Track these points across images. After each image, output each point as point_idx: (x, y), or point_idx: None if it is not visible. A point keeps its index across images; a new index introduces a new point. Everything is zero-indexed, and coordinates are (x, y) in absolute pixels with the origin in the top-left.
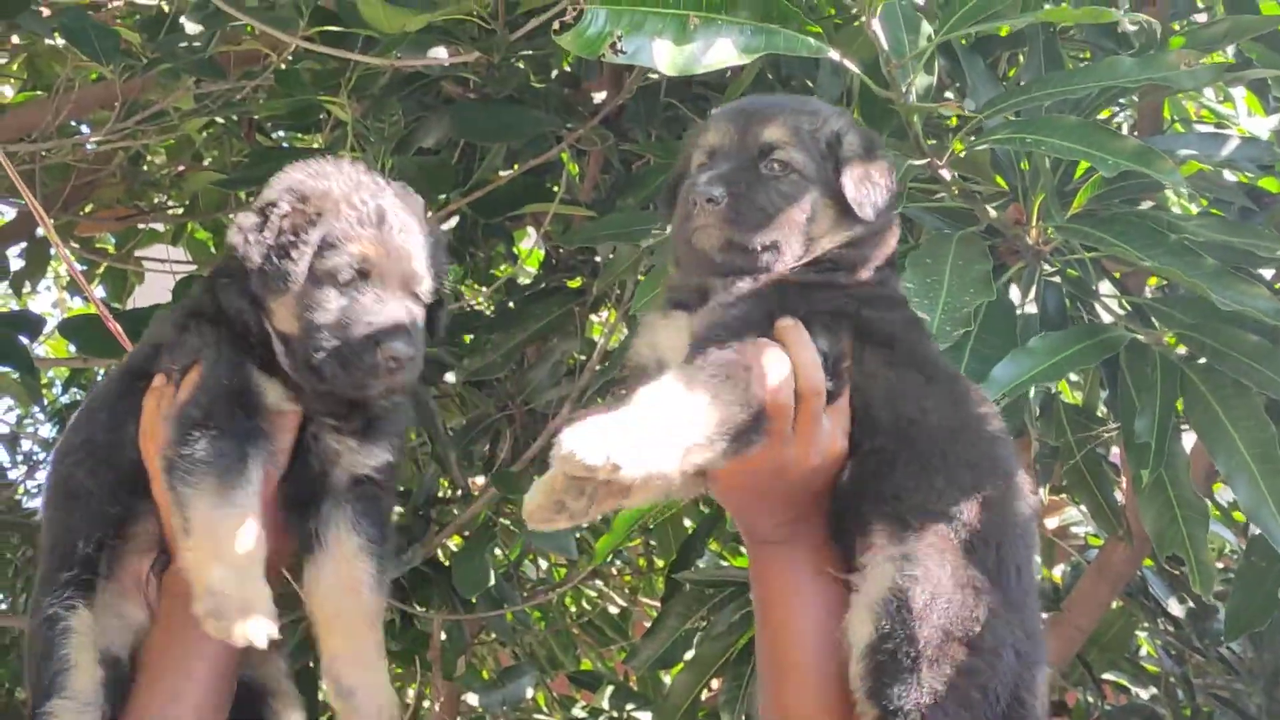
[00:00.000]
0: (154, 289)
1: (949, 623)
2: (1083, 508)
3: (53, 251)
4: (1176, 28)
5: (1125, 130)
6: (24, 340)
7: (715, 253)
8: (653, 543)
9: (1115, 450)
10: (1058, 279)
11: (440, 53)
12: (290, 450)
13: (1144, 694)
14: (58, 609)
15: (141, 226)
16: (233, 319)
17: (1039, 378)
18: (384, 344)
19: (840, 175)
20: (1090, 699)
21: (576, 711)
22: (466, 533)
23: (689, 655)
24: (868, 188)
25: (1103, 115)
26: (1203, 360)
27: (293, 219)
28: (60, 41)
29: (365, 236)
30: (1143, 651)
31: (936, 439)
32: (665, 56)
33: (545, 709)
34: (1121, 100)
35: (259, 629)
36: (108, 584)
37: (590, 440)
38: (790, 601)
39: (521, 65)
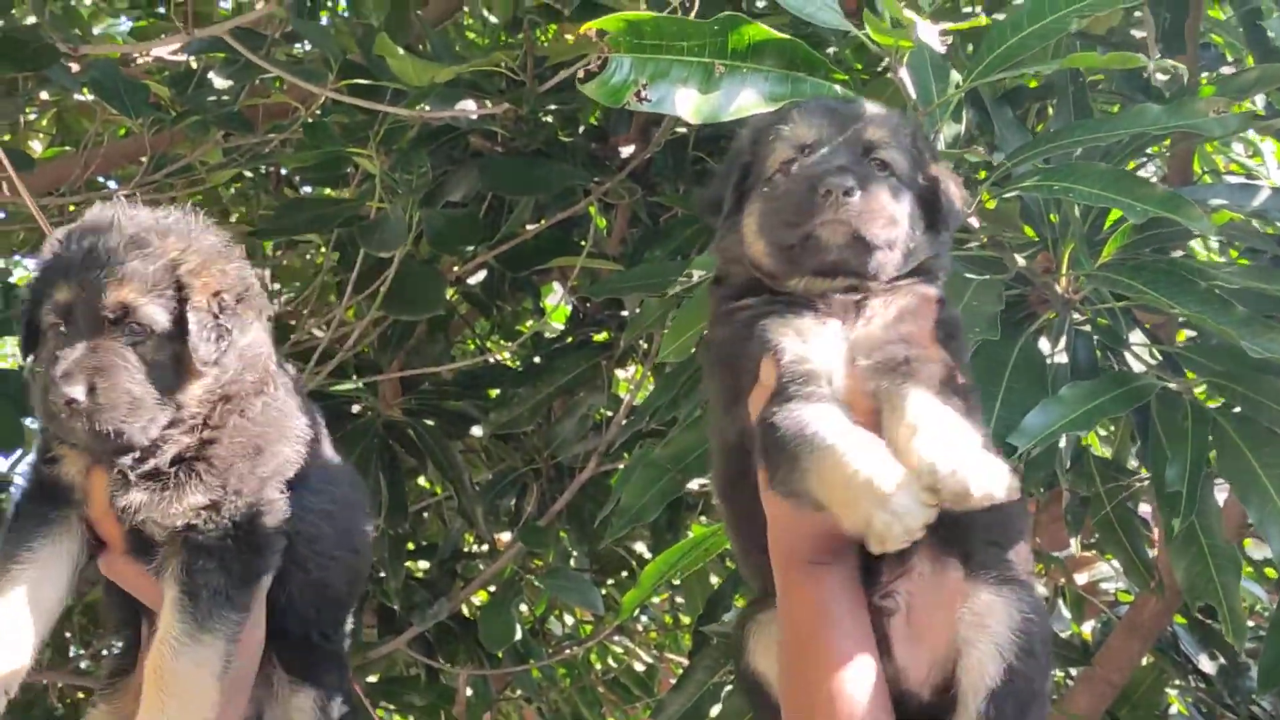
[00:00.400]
0: None
1: (1046, 661)
2: (1115, 563)
3: None
4: (1205, 78)
5: (1155, 181)
6: None
7: (840, 249)
8: (679, 599)
9: (1145, 506)
10: (1088, 328)
11: (469, 105)
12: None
13: None
14: None
15: None
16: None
17: (1069, 426)
18: (53, 390)
19: (929, 179)
20: None
21: None
22: (492, 588)
23: (715, 710)
24: (947, 200)
25: (1130, 168)
26: (1235, 409)
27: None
28: (89, 97)
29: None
30: (1173, 710)
31: None
32: (690, 104)
33: None
34: (1149, 151)
35: None
36: None
37: (981, 472)
38: (827, 630)
39: (549, 120)
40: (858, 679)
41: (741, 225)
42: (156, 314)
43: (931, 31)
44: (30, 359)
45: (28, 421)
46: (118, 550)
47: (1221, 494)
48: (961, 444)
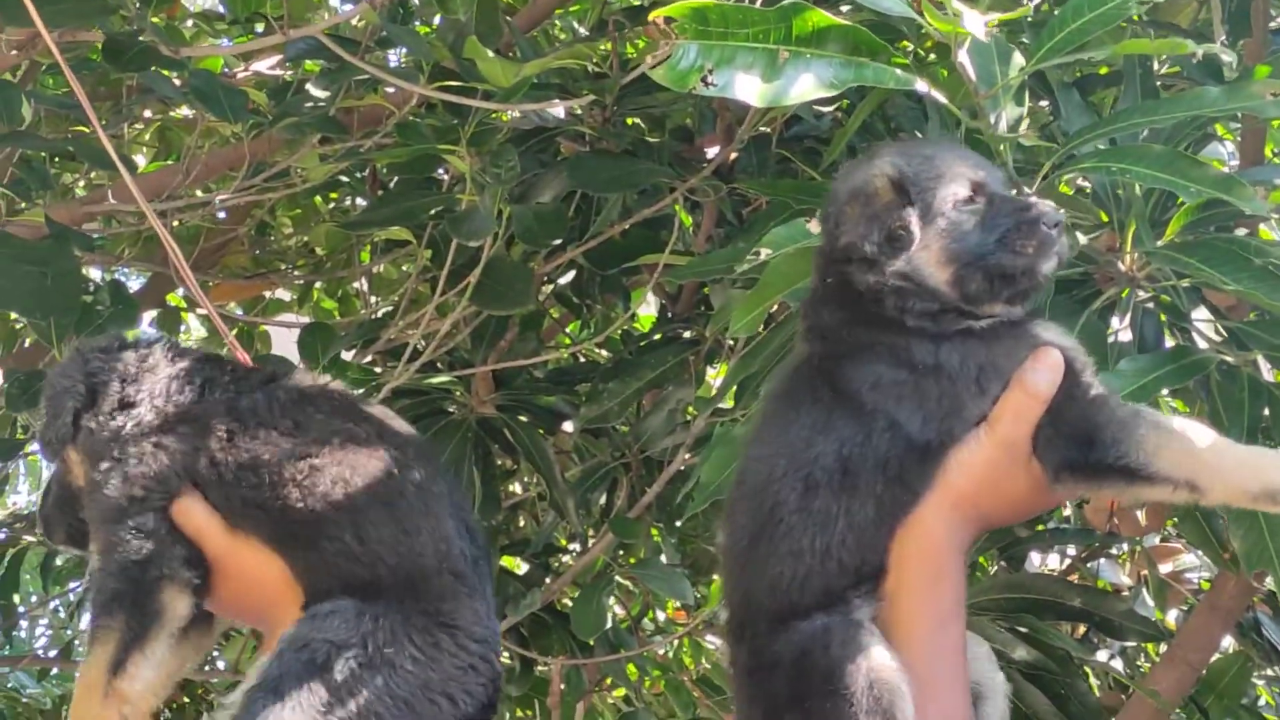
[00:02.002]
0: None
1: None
2: (1195, 553)
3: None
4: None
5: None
6: None
7: (1041, 283)
8: None
9: None
10: (1152, 305)
11: (556, 106)
12: None
13: None
14: None
15: (268, 295)
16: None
17: (1129, 399)
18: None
19: None
20: None
21: None
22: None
23: None
24: None
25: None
26: None
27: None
28: (189, 113)
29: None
30: (1261, 701)
31: None
32: (754, 90)
33: None
34: (1220, 134)
35: None
36: None
37: None
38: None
39: (636, 121)
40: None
41: (915, 257)
42: None
43: (978, 21)
44: None
45: None
46: None
47: None
48: None
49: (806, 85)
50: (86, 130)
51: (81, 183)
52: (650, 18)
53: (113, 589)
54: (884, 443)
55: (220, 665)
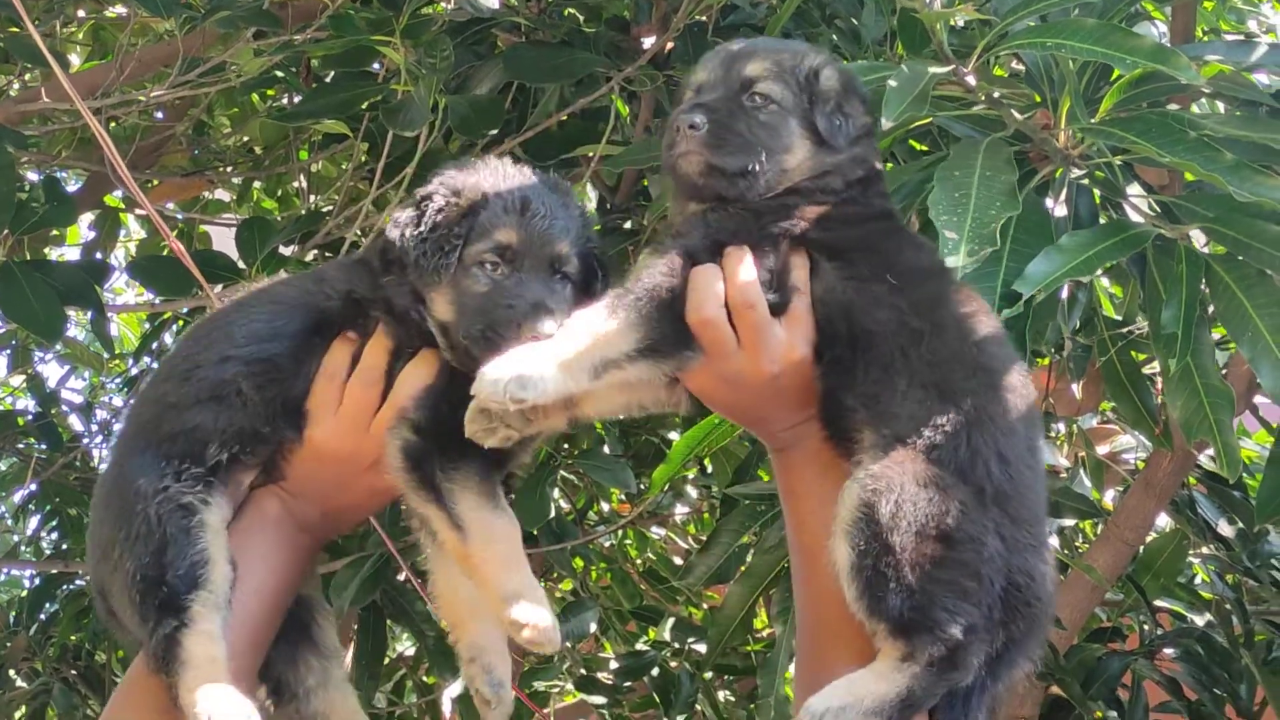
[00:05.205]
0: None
1: (920, 524)
2: (1132, 434)
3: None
4: None
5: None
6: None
7: (697, 177)
8: (714, 490)
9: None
10: (1087, 182)
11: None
12: None
13: (1199, 620)
14: (193, 500)
15: (207, 195)
16: (400, 314)
17: (1071, 273)
18: (525, 324)
19: (815, 109)
20: (1145, 626)
21: (639, 645)
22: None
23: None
24: (840, 119)
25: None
26: (1226, 252)
27: (446, 212)
28: (123, 10)
29: (508, 224)
30: (1197, 579)
31: (897, 344)
32: None
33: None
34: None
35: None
36: (223, 491)
37: (494, 374)
38: (803, 502)
39: (572, 11)
40: None
41: None
42: None
43: None
44: None
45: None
46: None
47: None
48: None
49: None
50: (18, 30)
51: (16, 85)
52: None
53: None
54: None
55: None
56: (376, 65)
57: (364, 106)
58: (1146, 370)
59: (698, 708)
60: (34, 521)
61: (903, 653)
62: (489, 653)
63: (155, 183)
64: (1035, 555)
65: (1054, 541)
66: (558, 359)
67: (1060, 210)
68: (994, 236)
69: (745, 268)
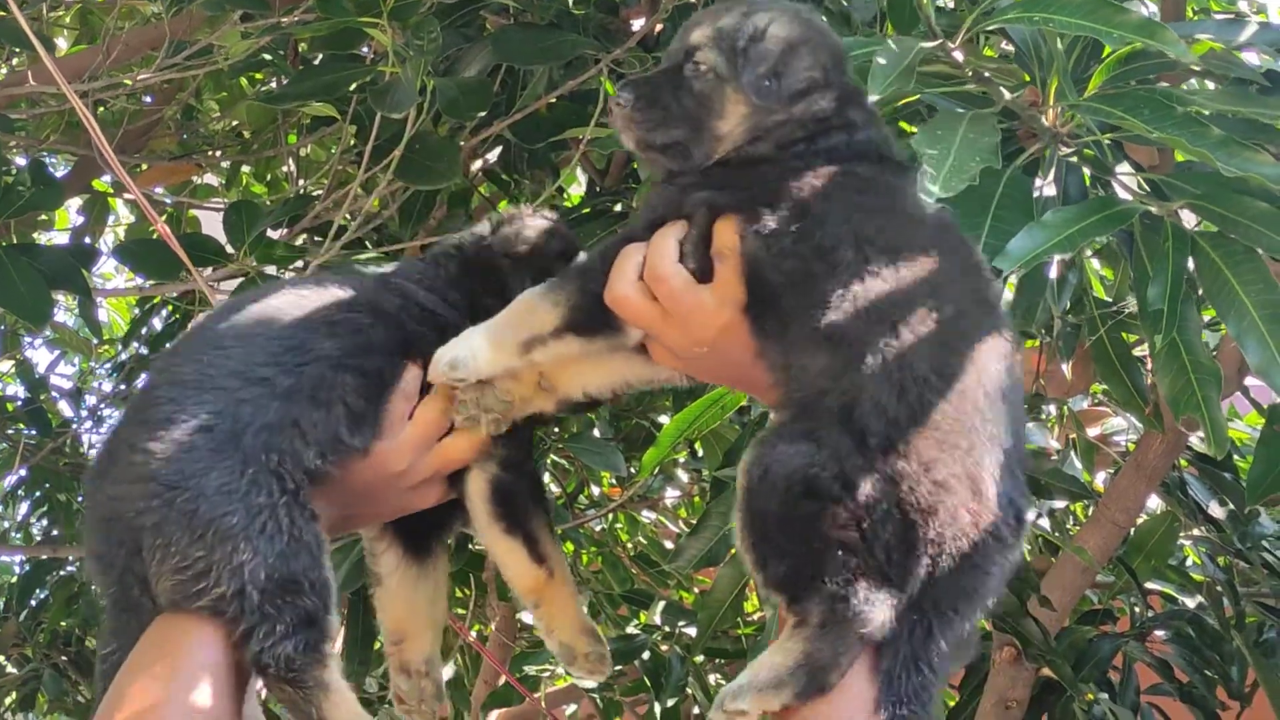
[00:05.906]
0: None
1: (786, 482)
2: (1123, 416)
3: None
4: None
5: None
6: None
7: (639, 152)
8: (704, 473)
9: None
10: (1076, 160)
11: None
12: None
13: (1190, 603)
14: (308, 513)
15: (196, 179)
16: None
17: (1054, 249)
18: None
19: (743, 71)
20: (1136, 608)
21: (630, 629)
22: None
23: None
24: (771, 80)
25: None
26: (1213, 229)
27: None
28: None
29: None
30: (1189, 561)
31: (796, 296)
32: None
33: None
34: None
35: None
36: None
37: (436, 354)
38: None
39: None
40: None
41: None
42: None
43: None
44: None
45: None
46: None
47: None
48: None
49: None
50: (5, 14)
51: (3, 69)
52: None
53: None
54: None
55: None
56: (365, 48)
57: (352, 89)
58: (1137, 352)
59: (688, 691)
60: (24, 507)
61: (796, 619)
62: (437, 666)
63: (144, 167)
64: (948, 491)
65: (1044, 524)
66: (489, 336)
67: (1050, 190)
68: (974, 175)
69: (661, 242)
